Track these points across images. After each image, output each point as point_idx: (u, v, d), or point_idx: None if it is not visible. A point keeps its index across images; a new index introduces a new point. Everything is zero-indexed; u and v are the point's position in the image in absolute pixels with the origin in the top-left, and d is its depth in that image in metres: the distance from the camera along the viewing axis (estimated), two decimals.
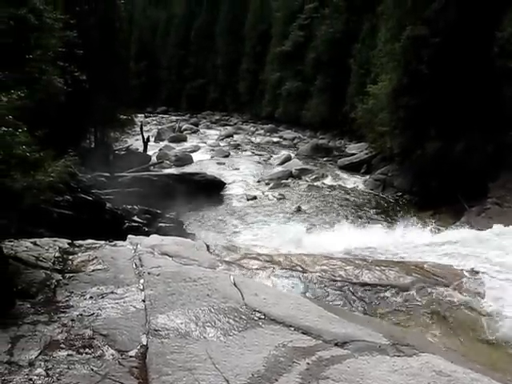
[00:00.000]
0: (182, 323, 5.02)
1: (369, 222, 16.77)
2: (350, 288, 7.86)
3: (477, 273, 8.79)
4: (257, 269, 8.34)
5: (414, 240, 12.85)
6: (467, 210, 16.37)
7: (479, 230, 13.21)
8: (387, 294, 7.75)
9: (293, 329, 5.11)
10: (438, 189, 17.45)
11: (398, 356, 4.70)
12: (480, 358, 6.03)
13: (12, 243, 6.89)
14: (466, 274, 8.84)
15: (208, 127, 51.71)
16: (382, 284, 8.03)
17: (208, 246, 9.24)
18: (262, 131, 46.10)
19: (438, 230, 15.28)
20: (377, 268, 8.74)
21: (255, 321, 5.20)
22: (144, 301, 5.49)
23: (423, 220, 16.39)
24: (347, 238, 13.19)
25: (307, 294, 7.50)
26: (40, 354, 4.38)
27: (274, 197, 21.34)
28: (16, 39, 11.46)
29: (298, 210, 19.25)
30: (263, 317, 5.30)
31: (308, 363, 4.45)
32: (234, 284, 6.23)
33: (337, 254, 10.42)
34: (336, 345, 4.84)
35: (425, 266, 9.25)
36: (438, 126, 18.04)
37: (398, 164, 22.00)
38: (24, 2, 12.49)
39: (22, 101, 6.43)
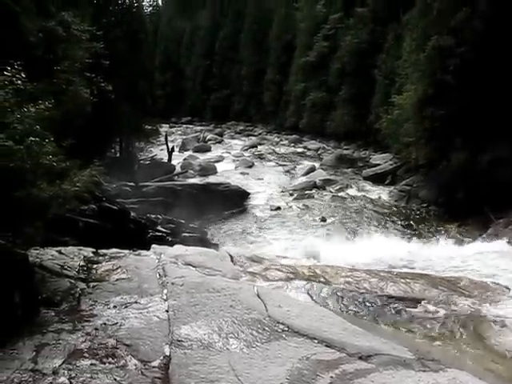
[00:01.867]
0: (205, 334, 5.00)
1: (394, 234, 16.60)
2: (374, 301, 7.76)
3: (507, 288, 8.61)
4: (280, 280, 8.29)
5: (439, 252, 12.73)
6: (494, 221, 16.10)
7: (509, 242, 13.01)
8: (412, 307, 7.63)
9: (316, 341, 5.05)
10: (464, 200, 17.20)
11: (424, 371, 4.62)
12: (509, 374, 5.89)
13: (38, 251, 6.97)
14: (493, 286, 8.68)
15: (232, 137, 51.89)
16: (407, 297, 7.91)
17: (232, 257, 9.22)
18: (286, 142, 46.05)
19: (465, 242, 15.11)
20: (402, 280, 8.63)
21: (279, 333, 5.17)
22: (167, 311, 5.50)
23: (449, 232, 16.21)
24: (372, 250, 13.11)
25: (331, 306, 7.42)
26: (64, 362, 4.41)
27: (298, 207, 21.26)
28: (45, 51, 11.63)
29: (322, 220, 19.14)
30: (287, 329, 5.27)
31: (332, 377, 4.40)
32: (258, 295, 6.20)
33: (361, 266, 10.32)
34: (360, 358, 4.78)
35: (451, 278, 9.13)
36: (464, 137, 17.83)
37: (424, 175, 21.78)
38: (53, 15, 12.69)
39: (49, 111, 6.50)
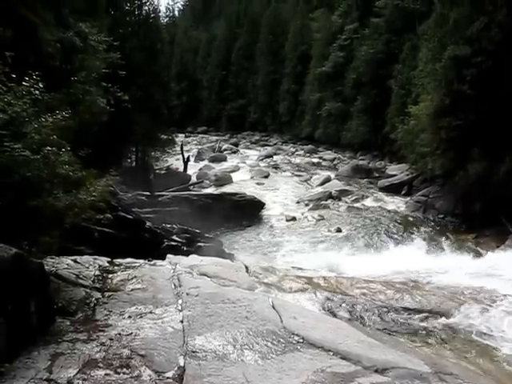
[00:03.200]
0: (219, 345, 4.98)
1: (410, 245, 16.45)
2: (390, 312, 7.69)
3: None
4: (295, 291, 8.26)
5: (456, 264, 12.59)
6: None
7: None
8: (429, 319, 7.55)
9: (331, 353, 5.01)
10: (481, 211, 17.03)
11: None
12: None
13: (53, 260, 7.01)
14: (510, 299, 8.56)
15: (248, 147, 52.00)
16: (423, 309, 7.84)
17: (247, 268, 9.20)
18: (301, 152, 46.03)
19: (482, 253, 14.95)
20: (418, 293, 8.55)
21: (293, 344, 5.13)
22: (182, 321, 5.48)
23: (466, 243, 16.05)
24: (387, 261, 13.03)
25: (346, 318, 7.37)
26: (78, 372, 4.40)
27: (314, 218, 21.18)
28: (62, 61, 11.75)
29: (338, 231, 19.04)
30: (302, 340, 5.23)
31: None
32: (273, 306, 6.17)
33: (377, 277, 10.24)
34: (376, 371, 4.72)
35: (468, 291, 9.02)
36: (481, 147, 17.66)
37: (440, 186, 21.61)
38: (71, 26, 12.82)
39: (66, 121, 6.55)
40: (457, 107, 18.15)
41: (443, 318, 7.62)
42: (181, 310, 5.80)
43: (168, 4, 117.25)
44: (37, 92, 6.18)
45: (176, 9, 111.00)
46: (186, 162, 31.32)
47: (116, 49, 17.65)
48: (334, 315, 7.41)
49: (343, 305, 7.85)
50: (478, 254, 14.88)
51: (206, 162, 37.88)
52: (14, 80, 6.08)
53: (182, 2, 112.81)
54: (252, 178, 31.79)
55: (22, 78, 6.23)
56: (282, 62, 60.18)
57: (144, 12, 28.94)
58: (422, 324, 7.39)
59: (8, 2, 9.92)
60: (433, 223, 19.65)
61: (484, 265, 12.82)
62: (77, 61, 12.57)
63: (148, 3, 29.21)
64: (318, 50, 49.78)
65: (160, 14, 55.36)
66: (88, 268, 7.20)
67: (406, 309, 7.83)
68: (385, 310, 7.77)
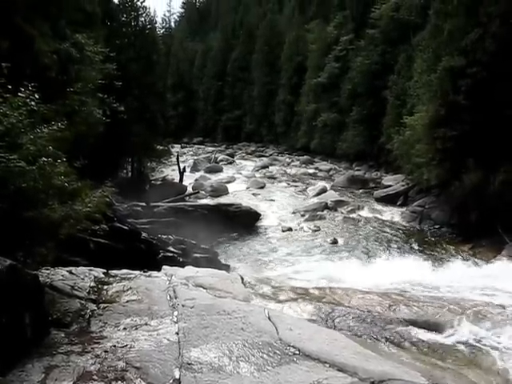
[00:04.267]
0: (215, 357, 4.95)
1: (406, 256, 16.45)
2: (386, 324, 7.67)
3: None
4: (291, 302, 8.23)
5: (453, 274, 12.59)
6: (508, 243, 15.94)
7: None
8: (425, 330, 7.52)
9: (328, 365, 4.99)
10: (477, 222, 17.06)
11: None
12: None
13: (48, 271, 6.97)
14: (508, 311, 8.54)
15: (244, 158, 52.03)
16: (420, 320, 7.81)
17: (243, 279, 9.18)
18: (297, 162, 46.10)
19: (478, 264, 14.96)
20: (414, 304, 8.53)
21: (290, 356, 5.10)
22: (177, 333, 5.45)
23: (462, 254, 16.07)
24: (384, 272, 13.00)
25: (342, 329, 7.34)
26: None
27: (310, 228, 21.18)
28: (58, 72, 11.77)
29: (334, 242, 19.04)
30: (298, 352, 5.20)
31: None
32: (269, 318, 6.15)
33: (373, 288, 10.22)
34: (372, 383, 4.70)
35: (465, 302, 9.00)
36: (477, 157, 17.74)
37: (436, 196, 21.68)
38: (67, 37, 12.86)
39: (62, 132, 6.56)
40: (452, 118, 18.24)
41: (440, 330, 7.59)
42: (176, 322, 5.76)
43: (164, 15, 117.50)
44: (33, 103, 6.18)
45: (172, 20, 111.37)
46: (181, 172, 31.30)
47: (112, 60, 17.71)
48: (330, 326, 7.39)
49: (339, 316, 7.82)
50: (475, 265, 14.90)
51: (201, 173, 37.84)
52: (10, 91, 6.09)
53: (178, 14, 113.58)
54: (248, 188, 31.77)
55: (18, 88, 6.24)
56: (278, 73, 60.47)
57: (140, 23, 29.01)
58: (418, 335, 7.37)
59: (5, 13, 9.96)
60: (429, 234, 19.68)
61: (481, 276, 12.83)
62: (73, 72, 12.61)
63: (144, 14, 29.32)
64: (314, 60, 50.04)
65: (156, 25, 55.68)
66: (83, 279, 7.16)
67: (402, 320, 7.81)
68: (381, 321, 7.75)
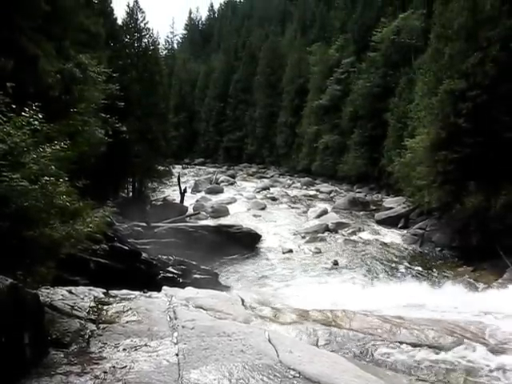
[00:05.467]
0: (215, 379, 4.91)
1: (407, 279, 16.40)
2: (387, 347, 7.61)
3: None
4: (291, 324, 8.18)
5: (454, 298, 12.51)
6: (510, 266, 15.88)
7: None
8: (426, 354, 7.47)
9: None
10: (478, 244, 17.02)
11: None
12: None
13: (48, 291, 6.95)
14: (508, 334, 8.48)
15: (245, 179, 52.09)
16: (421, 344, 7.76)
17: (243, 300, 9.14)
18: (298, 184, 46.13)
19: (480, 287, 14.88)
20: (415, 327, 8.47)
21: (290, 379, 5.06)
22: (177, 355, 5.41)
23: (464, 277, 15.97)
24: (385, 295, 12.93)
25: (343, 352, 7.29)
26: None
27: (310, 250, 21.12)
28: (61, 92, 11.85)
29: (335, 264, 18.96)
30: (298, 375, 5.16)
31: None
32: (269, 340, 6.11)
33: (373, 311, 10.17)
34: None
35: (466, 325, 8.94)
36: (478, 180, 17.77)
37: (437, 218, 21.66)
38: (71, 57, 12.98)
39: (64, 152, 6.58)
40: (453, 140, 18.30)
41: (441, 353, 7.54)
42: (176, 343, 5.73)
43: (167, 36, 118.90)
44: (36, 122, 6.22)
45: (175, 41, 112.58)
46: (182, 193, 31.31)
47: (115, 80, 17.83)
48: (331, 349, 7.33)
49: (339, 339, 7.78)
50: (476, 288, 14.82)
51: (202, 194, 37.87)
52: (13, 110, 6.12)
53: (181, 35, 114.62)
54: (249, 209, 31.74)
55: (21, 108, 6.27)
56: (280, 95, 60.87)
57: (143, 44, 29.30)
58: (419, 358, 7.31)
59: (9, 34, 10.06)
60: (430, 256, 19.62)
61: (482, 299, 12.76)
62: (76, 92, 12.69)
63: (147, 36, 29.62)
64: (315, 83, 50.39)
65: (159, 46, 56.23)
66: (83, 299, 7.13)
67: (403, 343, 7.75)
68: (382, 344, 7.70)
